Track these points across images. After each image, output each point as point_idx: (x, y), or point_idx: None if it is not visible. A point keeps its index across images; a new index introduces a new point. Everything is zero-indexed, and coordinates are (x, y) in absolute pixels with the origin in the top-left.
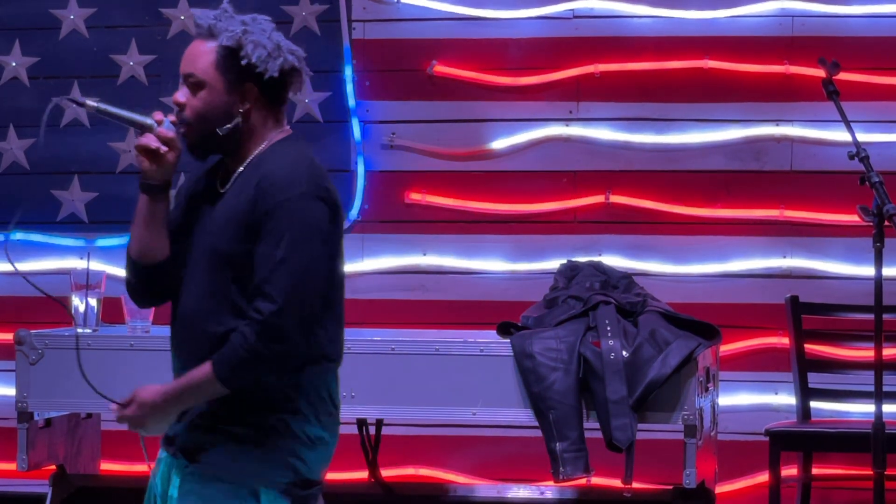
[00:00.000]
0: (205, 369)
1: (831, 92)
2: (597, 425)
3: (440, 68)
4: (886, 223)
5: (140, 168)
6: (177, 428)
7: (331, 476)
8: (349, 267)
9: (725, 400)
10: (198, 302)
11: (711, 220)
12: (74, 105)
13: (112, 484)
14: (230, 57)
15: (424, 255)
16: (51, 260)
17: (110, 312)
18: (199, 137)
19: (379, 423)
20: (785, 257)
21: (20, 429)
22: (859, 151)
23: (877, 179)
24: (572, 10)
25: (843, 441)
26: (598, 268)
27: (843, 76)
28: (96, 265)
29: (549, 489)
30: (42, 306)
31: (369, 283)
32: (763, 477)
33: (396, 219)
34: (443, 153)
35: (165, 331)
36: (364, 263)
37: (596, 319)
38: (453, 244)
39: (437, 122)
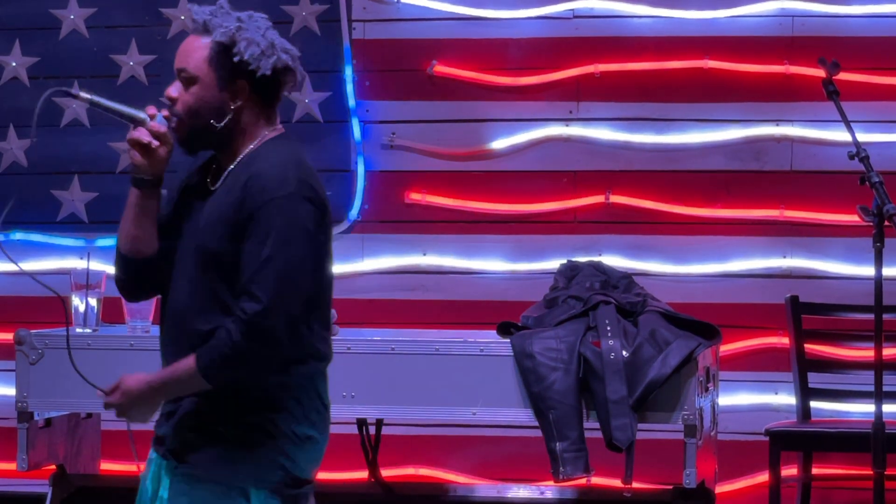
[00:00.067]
0: (189, 362)
1: (831, 92)
2: (597, 425)
3: (440, 68)
4: (886, 223)
5: (132, 162)
6: (166, 428)
7: (331, 476)
8: (349, 267)
9: (725, 400)
10: (186, 299)
11: (711, 220)
12: (69, 97)
13: (112, 484)
14: (223, 53)
15: (424, 255)
16: (51, 260)
17: (110, 312)
18: (189, 132)
19: (379, 423)
20: (785, 257)
21: (20, 429)
22: (859, 151)
23: (877, 179)
24: (572, 10)
25: (843, 441)
26: (598, 268)
27: (843, 76)
28: (96, 265)
29: (549, 489)
30: (42, 306)
31: (369, 283)
32: (763, 477)
33: (396, 219)
34: (443, 153)
35: None
36: (364, 263)
37: (596, 319)
38: (453, 244)
39: (437, 122)
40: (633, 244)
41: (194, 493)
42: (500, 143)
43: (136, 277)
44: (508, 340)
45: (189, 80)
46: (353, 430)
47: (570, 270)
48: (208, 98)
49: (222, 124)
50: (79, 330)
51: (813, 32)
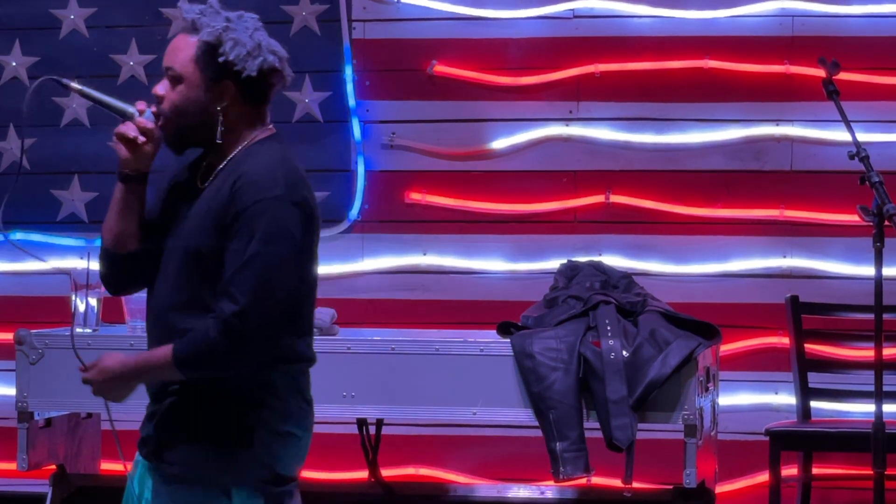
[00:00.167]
0: (166, 351)
1: (831, 92)
2: (597, 425)
3: (440, 68)
4: (886, 223)
5: (118, 156)
6: (149, 429)
7: (331, 476)
8: (349, 267)
9: (725, 400)
10: (169, 296)
11: (711, 219)
12: (61, 86)
13: (112, 484)
14: (210, 53)
15: (424, 255)
16: (51, 260)
17: (110, 312)
18: (175, 131)
19: (379, 423)
20: (785, 257)
21: (20, 429)
22: (859, 151)
23: (877, 179)
24: (572, 9)
25: (843, 441)
26: (598, 268)
27: (843, 76)
28: (96, 265)
29: (549, 489)
30: (42, 306)
31: (369, 283)
32: (763, 477)
33: (396, 219)
34: (443, 153)
35: None
36: (364, 263)
37: (596, 319)
38: (453, 244)
39: (437, 122)
40: (633, 244)
41: (175, 493)
42: (500, 143)
43: (119, 272)
44: (508, 340)
45: (176, 79)
46: (353, 430)
47: (570, 270)
48: (194, 97)
49: (209, 124)
50: (79, 330)
51: (813, 32)
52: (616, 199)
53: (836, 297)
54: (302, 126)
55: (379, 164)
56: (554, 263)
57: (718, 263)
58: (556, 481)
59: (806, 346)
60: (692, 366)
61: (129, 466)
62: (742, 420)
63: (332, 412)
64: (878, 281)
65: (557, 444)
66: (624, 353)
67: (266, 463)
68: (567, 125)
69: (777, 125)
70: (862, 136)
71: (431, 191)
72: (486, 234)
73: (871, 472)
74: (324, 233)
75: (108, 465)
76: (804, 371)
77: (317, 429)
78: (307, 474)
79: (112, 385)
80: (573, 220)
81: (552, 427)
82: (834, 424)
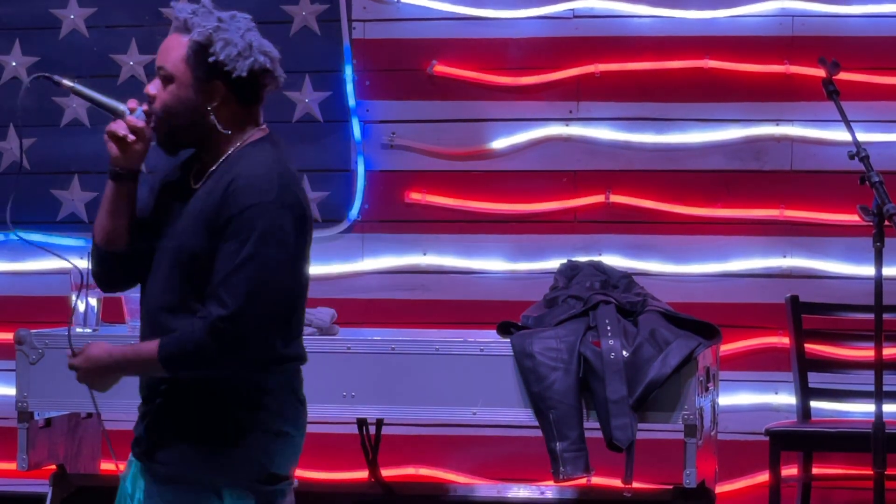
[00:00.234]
0: (152, 347)
1: (831, 92)
2: (597, 425)
3: (440, 68)
4: (886, 223)
5: (109, 154)
6: (141, 429)
7: (331, 476)
8: (349, 267)
9: (725, 400)
10: (160, 296)
11: (711, 219)
12: (54, 84)
13: (112, 484)
14: (200, 53)
15: (424, 254)
16: (51, 260)
17: (110, 312)
18: (167, 131)
19: (379, 423)
20: (785, 257)
21: (20, 428)
22: (859, 151)
23: (877, 179)
24: (572, 9)
25: (843, 441)
26: (598, 267)
27: (843, 76)
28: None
29: (549, 489)
30: (42, 306)
31: (369, 283)
32: (763, 477)
33: (396, 218)
34: (443, 153)
35: None
36: (364, 263)
37: (596, 319)
38: (453, 244)
39: (437, 121)
40: (633, 244)
41: (165, 493)
42: (500, 143)
43: (111, 270)
44: (508, 340)
45: (167, 79)
46: (353, 430)
47: (570, 270)
48: (185, 97)
49: (200, 124)
50: (79, 329)
51: (813, 32)
52: (616, 198)
53: (836, 297)
54: (302, 126)
55: (379, 163)
56: (554, 263)
57: (718, 263)
58: (556, 481)
59: (806, 346)
60: (692, 366)
61: (123, 467)
62: (742, 420)
63: (331, 412)
64: (878, 281)
65: (557, 444)
66: (624, 352)
67: (261, 462)
68: (567, 125)
69: (777, 125)
70: (862, 136)
71: (431, 191)
72: (486, 234)
73: (871, 472)
74: (324, 232)
75: (108, 465)
76: (804, 371)
77: (317, 429)
78: (307, 474)
79: (96, 373)
80: (573, 220)
81: (552, 427)
82: (834, 424)
